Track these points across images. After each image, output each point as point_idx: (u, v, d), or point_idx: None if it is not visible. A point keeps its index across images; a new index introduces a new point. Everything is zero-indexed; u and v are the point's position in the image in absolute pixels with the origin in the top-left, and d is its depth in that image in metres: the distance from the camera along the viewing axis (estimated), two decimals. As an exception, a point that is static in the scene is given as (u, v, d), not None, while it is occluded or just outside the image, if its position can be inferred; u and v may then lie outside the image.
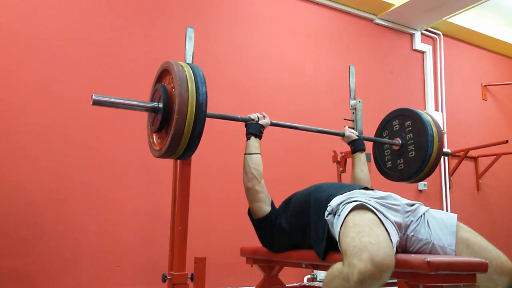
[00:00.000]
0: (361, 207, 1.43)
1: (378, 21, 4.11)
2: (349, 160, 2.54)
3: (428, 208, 1.59)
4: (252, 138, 1.91)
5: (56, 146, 2.61)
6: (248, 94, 3.31)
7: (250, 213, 1.89)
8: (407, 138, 2.33)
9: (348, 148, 2.51)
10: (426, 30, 4.40)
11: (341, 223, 1.40)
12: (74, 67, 2.74)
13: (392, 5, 3.94)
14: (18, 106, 2.56)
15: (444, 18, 4.19)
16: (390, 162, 2.43)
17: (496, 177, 4.58)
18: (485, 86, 4.80)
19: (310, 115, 3.56)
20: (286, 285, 2.11)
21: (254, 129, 1.93)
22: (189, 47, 1.99)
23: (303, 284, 3.15)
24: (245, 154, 1.89)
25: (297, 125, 2.19)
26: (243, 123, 1.98)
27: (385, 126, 2.50)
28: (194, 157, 1.80)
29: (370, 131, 2.59)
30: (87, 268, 2.57)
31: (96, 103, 1.60)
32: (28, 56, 2.62)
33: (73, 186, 2.61)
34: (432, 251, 1.49)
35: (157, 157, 1.74)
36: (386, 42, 4.18)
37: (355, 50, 3.95)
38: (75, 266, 2.54)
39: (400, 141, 2.36)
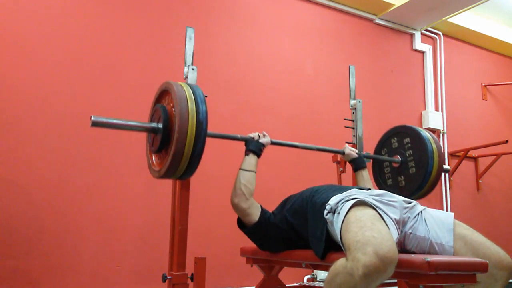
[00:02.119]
0: (361, 203, 1.44)
1: (378, 21, 4.11)
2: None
3: (425, 207, 1.61)
4: (251, 155, 1.89)
5: (56, 146, 2.61)
6: (248, 94, 3.31)
7: (241, 224, 1.87)
8: (407, 155, 2.34)
9: (348, 148, 2.51)
10: (426, 30, 4.40)
11: (342, 220, 1.41)
12: (74, 67, 2.74)
13: (392, 5, 3.94)
14: (18, 106, 2.56)
15: (444, 18, 4.19)
16: (390, 180, 2.43)
17: (496, 177, 4.58)
18: (485, 86, 4.80)
19: (310, 115, 3.56)
20: (286, 285, 2.11)
21: (254, 147, 1.91)
22: (189, 47, 1.99)
23: (303, 284, 3.15)
24: (239, 169, 1.86)
25: (297, 143, 2.19)
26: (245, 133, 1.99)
27: (383, 144, 2.49)
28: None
29: (370, 146, 2.56)
30: (87, 268, 2.57)
31: (94, 124, 1.59)
32: (28, 56, 2.63)
33: (73, 186, 2.61)
34: (430, 248, 1.50)
35: (157, 178, 1.72)
36: (386, 42, 4.18)
37: (355, 50, 3.95)
38: (75, 266, 2.54)
39: (400, 158, 2.37)
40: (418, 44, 4.33)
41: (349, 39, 3.94)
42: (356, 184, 2.26)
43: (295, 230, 1.73)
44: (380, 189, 2.43)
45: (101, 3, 2.90)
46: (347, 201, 1.47)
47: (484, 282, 1.40)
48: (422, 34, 4.39)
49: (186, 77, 1.94)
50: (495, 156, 4.31)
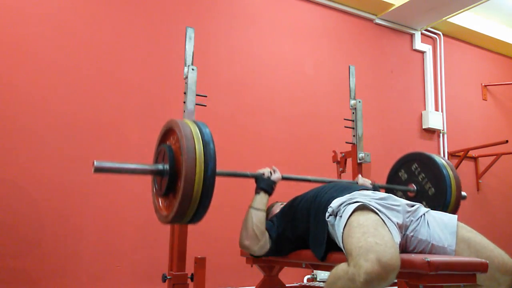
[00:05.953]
0: (363, 207, 1.43)
1: (378, 21, 4.11)
2: (349, 161, 2.53)
3: (428, 209, 1.60)
4: (262, 193, 1.81)
5: (56, 146, 2.61)
6: (248, 94, 3.31)
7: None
8: (420, 179, 2.20)
9: (348, 148, 2.51)
10: (426, 30, 4.40)
11: (344, 223, 1.40)
12: (74, 67, 2.74)
13: (392, 5, 3.94)
14: (18, 106, 2.56)
15: (444, 18, 4.18)
16: None
17: (496, 177, 4.58)
18: (485, 86, 4.80)
19: (310, 116, 3.56)
20: (286, 285, 2.11)
21: (266, 185, 1.83)
22: (189, 47, 1.99)
23: (303, 284, 3.15)
24: (250, 207, 1.78)
25: (309, 177, 2.08)
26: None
27: (392, 181, 2.34)
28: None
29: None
30: (87, 268, 2.57)
31: (97, 170, 1.50)
32: (27, 56, 2.63)
33: (73, 186, 2.61)
34: (432, 251, 1.49)
35: (165, 224, 1.61)
36: (386, 42, 4.18)
37: (355, 50, 3.95)
38: (75, 266, 2.54)
39: (415, 187, 2.22)
40: (418, 44, 4.33)
41: (349, 39, 3.94)
42: None
43: (303, 237, 1.71)
44: None
45: (101, 3, 2.90)
46: (349, 204, 1.46)
47: (487, 286, 1.40)
48: (422, 34, 4.39)
49: (186, 77, 1.94)
50: (495, 156, 4.30)
